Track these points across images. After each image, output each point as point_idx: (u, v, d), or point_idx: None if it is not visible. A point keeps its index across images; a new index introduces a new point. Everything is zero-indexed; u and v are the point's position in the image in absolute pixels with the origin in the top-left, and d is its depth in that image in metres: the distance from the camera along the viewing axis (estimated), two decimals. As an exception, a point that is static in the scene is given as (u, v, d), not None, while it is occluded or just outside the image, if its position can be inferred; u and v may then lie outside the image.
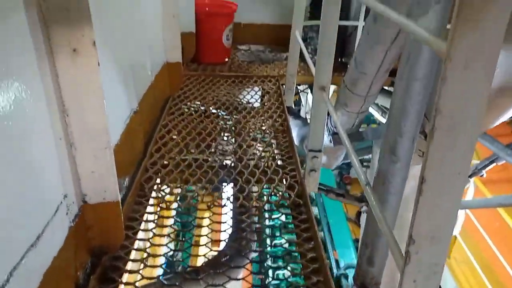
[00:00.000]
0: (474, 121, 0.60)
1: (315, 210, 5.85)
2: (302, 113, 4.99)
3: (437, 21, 0.91)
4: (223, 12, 3.07)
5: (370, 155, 3.02)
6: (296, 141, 2.81)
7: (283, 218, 1.64)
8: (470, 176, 2.82)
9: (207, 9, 3.06)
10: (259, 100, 2.67)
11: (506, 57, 1.55)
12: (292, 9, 2.45)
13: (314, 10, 3.13)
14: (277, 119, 2.38)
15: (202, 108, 2.48)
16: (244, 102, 2.60)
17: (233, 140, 2.19)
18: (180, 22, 2.44)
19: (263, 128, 2.29)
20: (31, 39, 0.94)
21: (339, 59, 3.16)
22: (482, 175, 2.85)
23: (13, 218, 0.88)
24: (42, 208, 1.00)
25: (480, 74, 0.56)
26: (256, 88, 2.79)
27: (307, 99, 4.48)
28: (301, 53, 2.18)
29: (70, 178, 1.13)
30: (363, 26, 2.72)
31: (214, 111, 2.49)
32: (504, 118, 1.68)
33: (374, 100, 2.18)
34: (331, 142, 2.42)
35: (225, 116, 2.41)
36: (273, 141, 2.18)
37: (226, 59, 3.21)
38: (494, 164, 2.77)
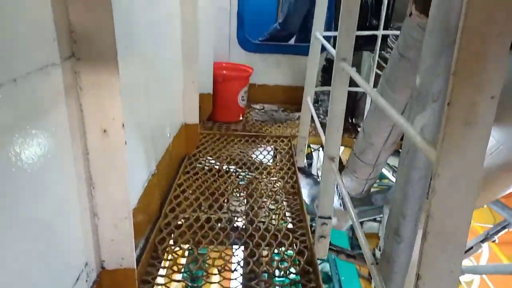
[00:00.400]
0: (463, 227, 0.66)
1: (326, 266, 5.73)
2: (313, 168, 5.05)
3: (435, 117, 0.99)
4: (239, 76, 3.25)
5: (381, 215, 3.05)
6: (307, 200, 2.87)
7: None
8: (482, 242, 2.81)
9: (224, 72, 3.24)
10: (271, 160, 2.76)
11: (509, 134, 1.62)
12: (304, 71, 2.59)
13: (326, 75, 3.29)
14: (288, 180, 2.45)
15: (216, 166, 2.57)
16: (257, 161, 2.69)
17: (245, 201, 2.25)
18: (199, 83, 2.59)
19: (275, 189, 2.35)
20: (67, 122, 1.06)
21: (350, 120, 3.26)
22: (494, 241, 2.84)
23: (39, 289, 0.94)
24: (65, 277, 1.06)
25: (466, 188, 0.63)
26: (269, 148, 2.89)
27: (319, 155, 4.56)
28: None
29: (91, 246, 1.20)
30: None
31: (227, 169, 2.57)
32: (508, 191, 1.72)
33: (382, 168, 2.25)
34: (341, 205, 2.46)
35: (238, 176, 2.48)
36: (284, 203, 2.23)
37: (241, 118, 3.35)
38: (506, 230, 2.78)
